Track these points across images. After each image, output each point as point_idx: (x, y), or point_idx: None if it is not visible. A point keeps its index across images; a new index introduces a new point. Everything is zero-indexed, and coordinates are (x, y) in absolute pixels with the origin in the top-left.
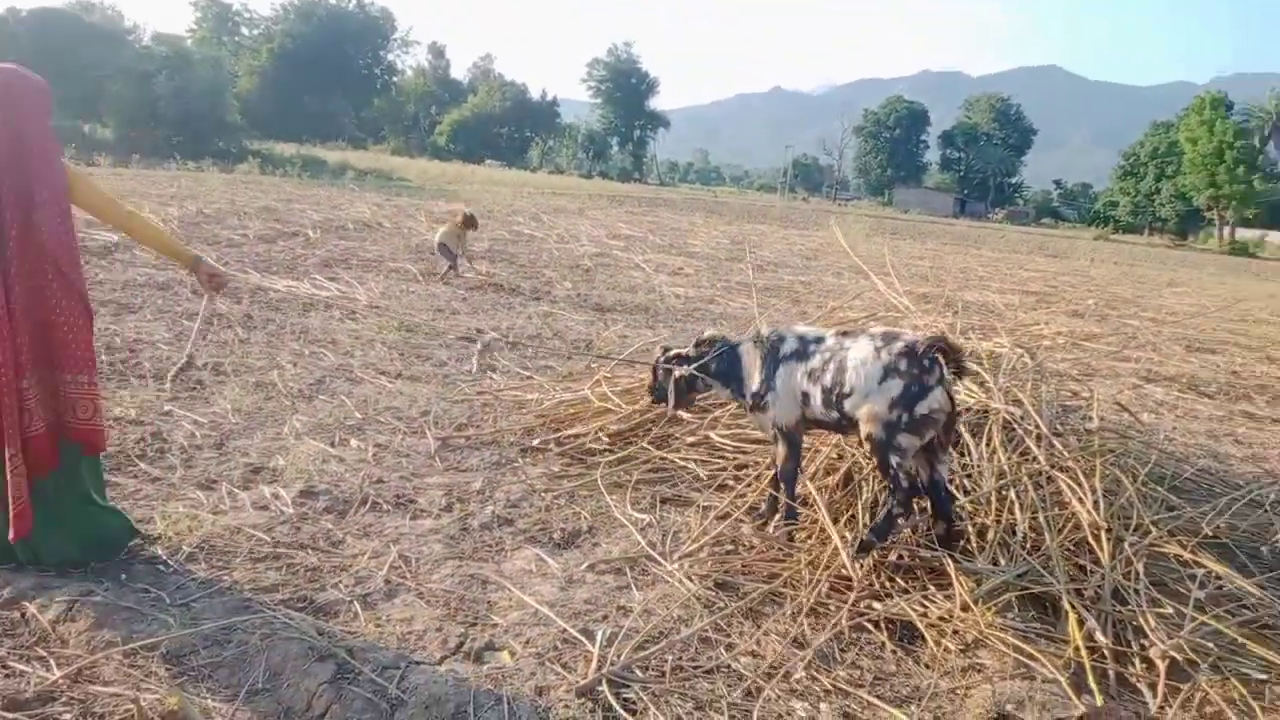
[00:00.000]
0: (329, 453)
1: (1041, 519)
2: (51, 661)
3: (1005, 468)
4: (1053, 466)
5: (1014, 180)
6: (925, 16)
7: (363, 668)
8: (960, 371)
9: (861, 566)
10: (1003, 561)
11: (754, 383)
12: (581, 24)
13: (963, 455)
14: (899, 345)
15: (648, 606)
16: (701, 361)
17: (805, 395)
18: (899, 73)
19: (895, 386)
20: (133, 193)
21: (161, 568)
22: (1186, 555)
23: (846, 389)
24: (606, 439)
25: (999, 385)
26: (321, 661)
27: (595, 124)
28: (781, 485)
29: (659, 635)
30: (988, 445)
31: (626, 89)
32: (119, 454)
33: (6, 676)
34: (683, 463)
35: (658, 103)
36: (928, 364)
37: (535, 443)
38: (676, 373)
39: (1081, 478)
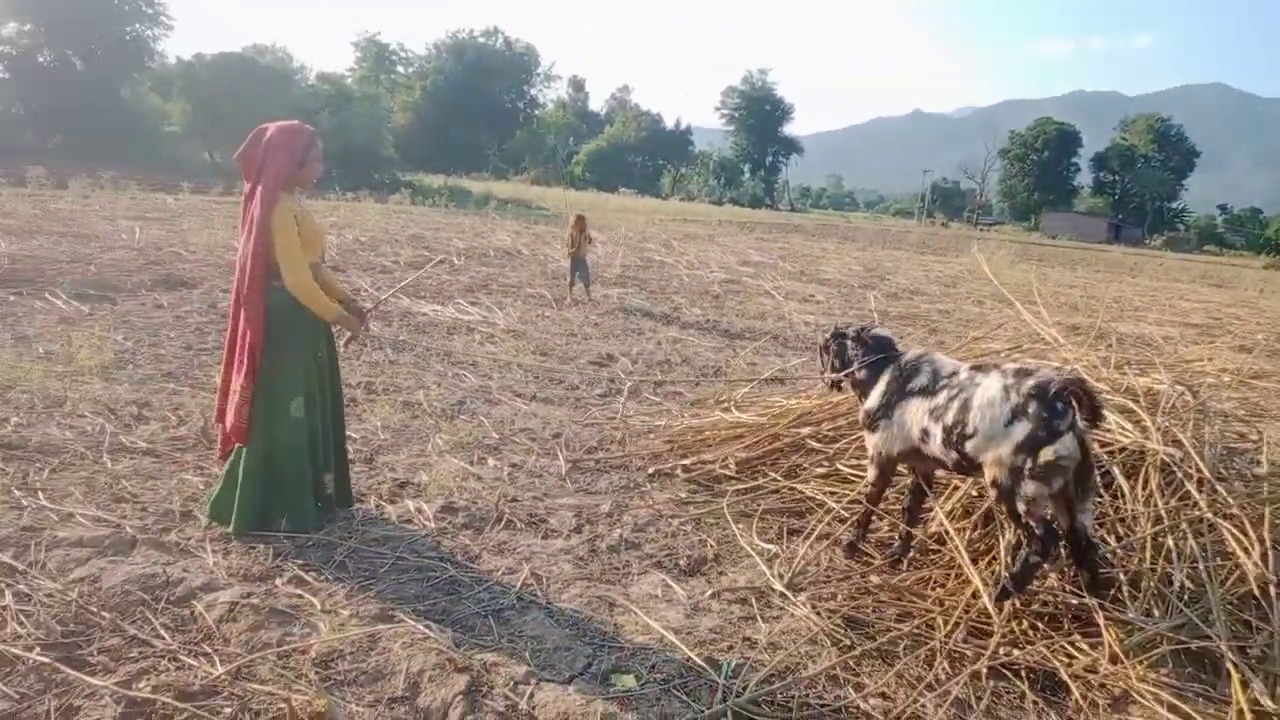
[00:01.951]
0: (468, 470)
1: (1202, 569)
2: (215, 658)
3: (1163, 513)
4: (1215, 513)
5: (1174, 205)
6: (1078, 37)
7: (495, 681)
8: (1095, 416)
9: (1001, 611)
10: (1157, 613)
11: (872, 401)
12: (717, 53)
13: (1116, 498)
14: (1029, 385)
15: (774, 640)
16: (853, 367)
17: (925, 432)
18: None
19: (1021, 430)
20: None
21: (314, 575)
22: None
23: (969, 430)
24: (734, 466)
25: (1157, 425)
26: (459, 673)
27: (727, 151)
28: (864, 499)
29: (786, 670)
30: (1144, 488)
31: (760, 115)
32: None
33: (178, 669)
34: (812, 494)
35: (791, 128)
36: (1060, 407)
37: (663, 468)
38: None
39: (1248, 526)
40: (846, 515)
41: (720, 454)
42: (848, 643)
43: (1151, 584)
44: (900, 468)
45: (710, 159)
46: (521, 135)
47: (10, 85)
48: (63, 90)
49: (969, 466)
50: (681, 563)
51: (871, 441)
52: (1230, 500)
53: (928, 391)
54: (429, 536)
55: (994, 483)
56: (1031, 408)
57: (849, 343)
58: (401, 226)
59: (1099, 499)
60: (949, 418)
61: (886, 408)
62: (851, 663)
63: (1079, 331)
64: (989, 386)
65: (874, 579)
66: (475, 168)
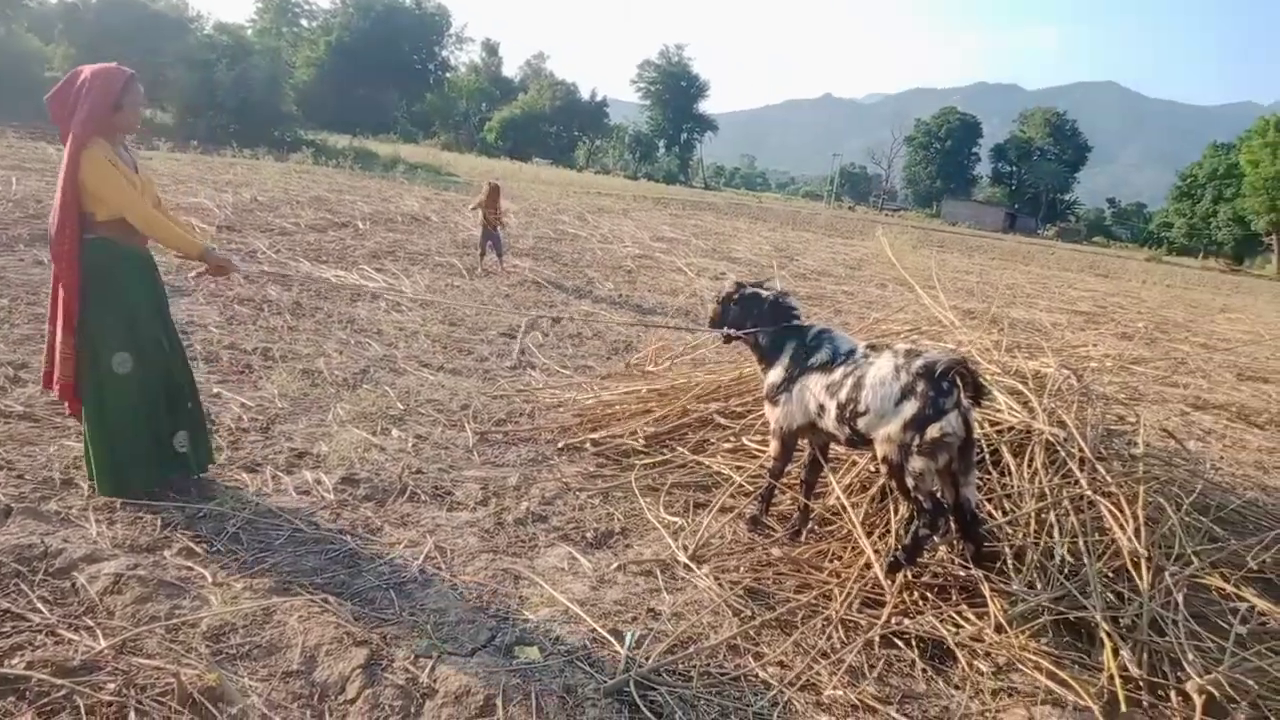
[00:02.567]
0: (371, 441)
1: (1081, 544)
2: (98, 632)
3: (1046, 490)
4: (1095, 491)
5: (1067, 197)
6: (982, 29)
7: (396, 655)
8: (978, 395)
9: (894, 583)
10: (1039, 585)
11: (775, 375)
12: (634, 26)
13: (1003, 475)
14: (918, 364)
15: (677, 610)
16: (757, 329)
17: (821, 407)
18: (953, 83)
19: (910, 408)
20: (189, 178)
21: (205, 546)
22: (1229, 589)
23: (862, 407)
24: (643, 441)
25: (1043, 406)
26: (357, 646)
27: (643, 125)
28: (767, 474)
29: (688, 640)
30: (1029, 466)
31: (676, 91)
32: None
33: (56, 644)
34: (718, 468)
35: (706, 106)
36: (946, 386)
37: (572, 441)
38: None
39: (1124, 504)
40: (751, 489)
41: (629, 428)
42: (748, 613)
43: (1034, 557)
44: (799, 441)
45: (625, 133)
46: (432, 98)
47: None
48: None
49: (861, 442)
50: (588, 535)
51: (774, 415)
52: (1109, 479)
53: (826, 368)
54: (328, 509)
55: (884, 459)
56: (920, 386)
57: (754, 302)
58: (303, 187)
59: (986, 475)
60: (843, 394)
61: (788, 382)
62: (751, 632)
63: (974, 316)
64: (881, 366)
65: (775, 551)
66: (382, 130)
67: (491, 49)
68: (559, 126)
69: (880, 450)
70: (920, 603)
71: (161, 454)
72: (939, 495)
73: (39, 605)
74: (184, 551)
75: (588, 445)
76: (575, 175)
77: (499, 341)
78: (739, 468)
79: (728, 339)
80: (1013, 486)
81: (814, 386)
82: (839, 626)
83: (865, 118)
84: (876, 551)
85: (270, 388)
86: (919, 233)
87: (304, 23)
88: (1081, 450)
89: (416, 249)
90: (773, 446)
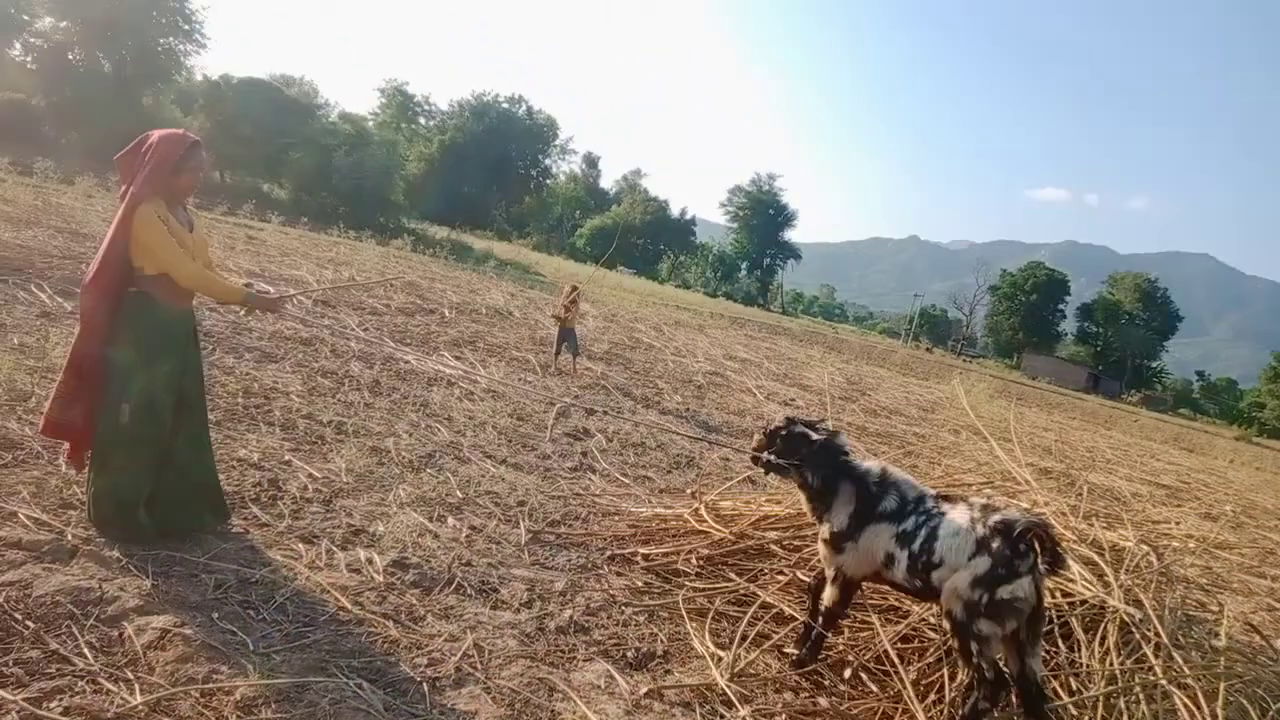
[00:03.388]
0: (426, 527)
1: None
2: (136, 686)
3: (1117, 673)
4: (1170, 681)
5: (1153, 364)
6: (1077, 190)
7: None
8: (1056, 563)
9: None
10: None
11: (839, 522)
12: (730, 153)
13: (1072, 651)
14: (995, 520)
15: None
16: (802, 464)
17: (890, 557)
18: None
19: (982, 565)
20: (295, 251)
21: (252, 613)
22: None
23: (936, 559)
24: (696, 562)
25: (1119, 582)
26: None
27: (728, 246)
28: (819, 622)
29: None
30: (1100, 645)
31: (763, 218)
32: (235, 494)
33: (94, 692)
34: (771, 601)
35: (792, 234)
36: (1022, 548)
37: (624, 552)
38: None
39: (1202, 699)
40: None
41: (682, 545)
42: None
43: None
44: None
45: (710, 251)
46: (530, 201)
47: (36, 77)
48: (86, 90)
49: (931, 595)
50: (629, 654)
51: (836, 562)
52: (1186, 670)
53: (895, 516)
54: (375, 590)
55: (949, 614)
56: (995, 544)
57: (800, 441)
58: (398, 271)
59: (1054, 650)
60: (916, 545)
61: (854, 531)
62: None
63: (1051, 475)
64: (956, 517)
65: (822, 701)
66: (480, 225)
67: (592, 161)
68: (646, 240)
69: (946, 605)
70: None
71: (128, 516)
72: (1002, 665)
73: (85, 651)
74: (231, 615)
75: (639, 558)
76: (657, 287)
77: (563, 441)
78: (793, 601)
79: (767, 469)
80: (1081, 665)
81: (883, 535)
82: None
83: (949, 263)
84: (930, 718)
85: (339, 461)
86: (997, 382)
87: (422, 120)
88: (1158, 634)
89: (496, 341)
90: (828, 594)
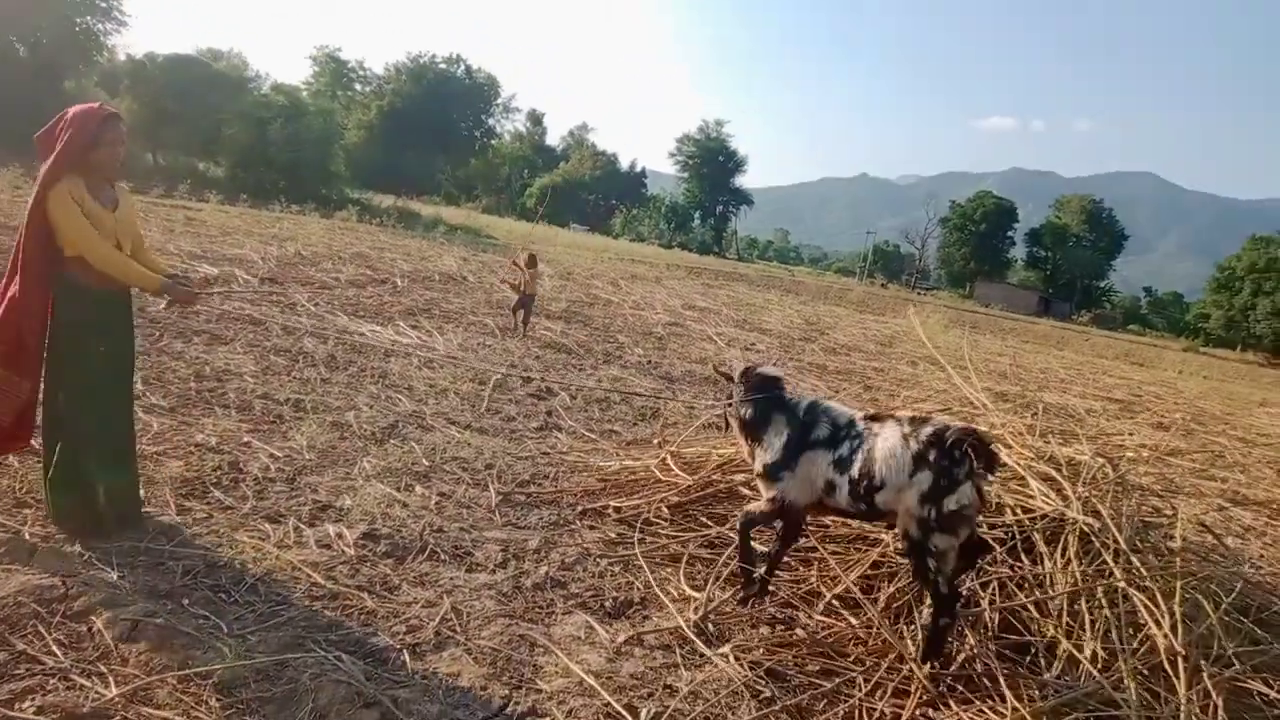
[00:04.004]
0: (394, 497)
1: (1115, 638)
2: (110, 679)
3: (1079, 580)
4: (1129, 584)
5: (1101, 284)
6: (1019, 117)
7: (406, 719)
8: (989, 466)
9: (925, 671)
10: (1069, 678)
11: (771, 454)
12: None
13: (1035, 563)
14: (927, 432)
15: (695, 688)
16: (737, 402)
17: (830, 484)
18: (988, 168)
19: (925, 479)
20: (237, 230)
21: (223, 596)
22: (1273, 694)
23: (877, 481)
24: (666, 510)
25: (1078, 494)
26: (367, 708)
27: (679, 197)
28: (738, 524)
29: (706, 719)
30: (1062, 555)
31: (713, 165)
32: (195, 480)
33: (68, 689)
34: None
35: (743, 180)
36: (957, 455)
37: (595, 506)
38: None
39: (1160, 599)
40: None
41: (652, 495)
42: (768, 695)
43: (1066, 650)
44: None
45: (662, 203)
46: (476, 163)
47: None
48: (4, 76)
49: (876, 516)
50: (607, 604)
51: (771, 490)
52: (1145, 572)
53: (829, 443)
54: (347, 563)
55: (905, 534)
56: (931, 456)
57: (736, 379)
58: (346, 244)
59: (1018, 563)
60: (854, 470)
61: (788, 461)
62: (771, 716)
63: (1007, 398)
64: (888, 436)
65: (799, 632)
66: (427, 191)
67: (536, 119)
68: (598, 195)
69: (901, 526)
70: (947, 694)
71: (87, 493)
72: (955, 579)
73: (54, 649)
74: (202, 600)
75: (610, 511)
76: (611, 242)
77: (527, 402)
78: (764, 541)
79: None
80: (1045, 575)
81: (820, 463)
82: (863, 716)
83: (900, 198)
84: (899, 634)
85: (299, 439)
86: (952, 312)
87: (358, 87)
88: (1116, 541)
89: (451, 307)
90: (761, 505)
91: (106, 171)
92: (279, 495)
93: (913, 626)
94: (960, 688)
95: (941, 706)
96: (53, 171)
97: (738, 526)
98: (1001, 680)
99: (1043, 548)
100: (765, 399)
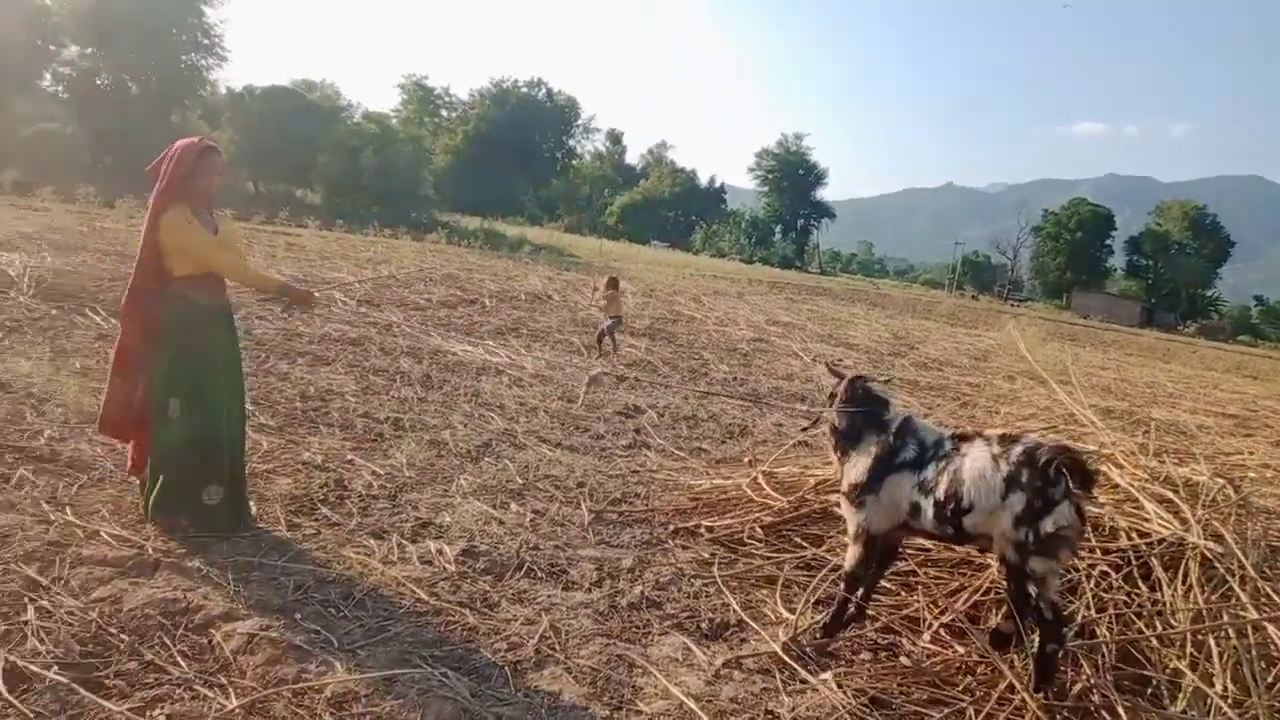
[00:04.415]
0: (490, 514)
1: (1246, 672)
2: (231, 690)
3: (1204, 610)
4: (1260, 614)
5: (1208, 293)
6: (1114, 122)
7: None
8: (1085, 485)
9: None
10: (1195, 714)
11: (856, 474)
12: (754, 116)
13: (1154, 590)
14: (1018, 452)
15: (797, 714)
16: (835, 409)
17: (915, 507)
18: (1081, 175)
19: (1018, 501)
20: (334, 254)
21: (333, 611)
22: None
23: (965, 504)
24: (760, 531)
25: (1197, 517)
26: None
27: (760, 211)
28: (842, 585)
29: None
30: (1183, 582)
31: (793, 179)
32: (304, 496)
33: (192, 699)
34: (840, 563)
35: (824, 193)
36: (1052, 475)
37: (688, 526)
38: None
39: None
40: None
41: (745, 515)
42: None
43: (1190, 683)
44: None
45: (742, 218)
46: (558, 183)
47: (69, 105)
48: (117, 113)
49: (966, 539)
50: (703, 625)
51: (855, 519)
52: (1278, 601)
53: (915, 465)
54: (449, 580)
55: (1002, 559)
56: (1024, 477)
57: (844, 383)
58: (436, 265)
59: (1135, 590)
60: (940, 492)
61: (873, 483)
62: None
63: (1113, 415)
64: (977, 456)
65: (903, 660)
66: (511, 212)
67: (616, 138)
68: (677, 212)
69: (998, 551)
70: None
71: (195, 501)
72: (1060, 603)
73: (179, 659)
74: (313, 615)
75: (703, 531)
76: (692, 258)
77: (615, 420)
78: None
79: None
80: (1164, 604)
81: (905, 485)
82: None
83: (988, 207)
84: (1010, 664)
85: (400, 457)
86: (1048, 324)
87: (444, 113)
88: (1242, 567)
89: (538, 326)
90: (851, 552)
91: (205, 199)
92: (382, 512)
93: (1024, 655)
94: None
95: None
96: (161, 201)
97: (840, 589)
98: (1122, 713)
99: (1161, 574)
100: (863, 413)
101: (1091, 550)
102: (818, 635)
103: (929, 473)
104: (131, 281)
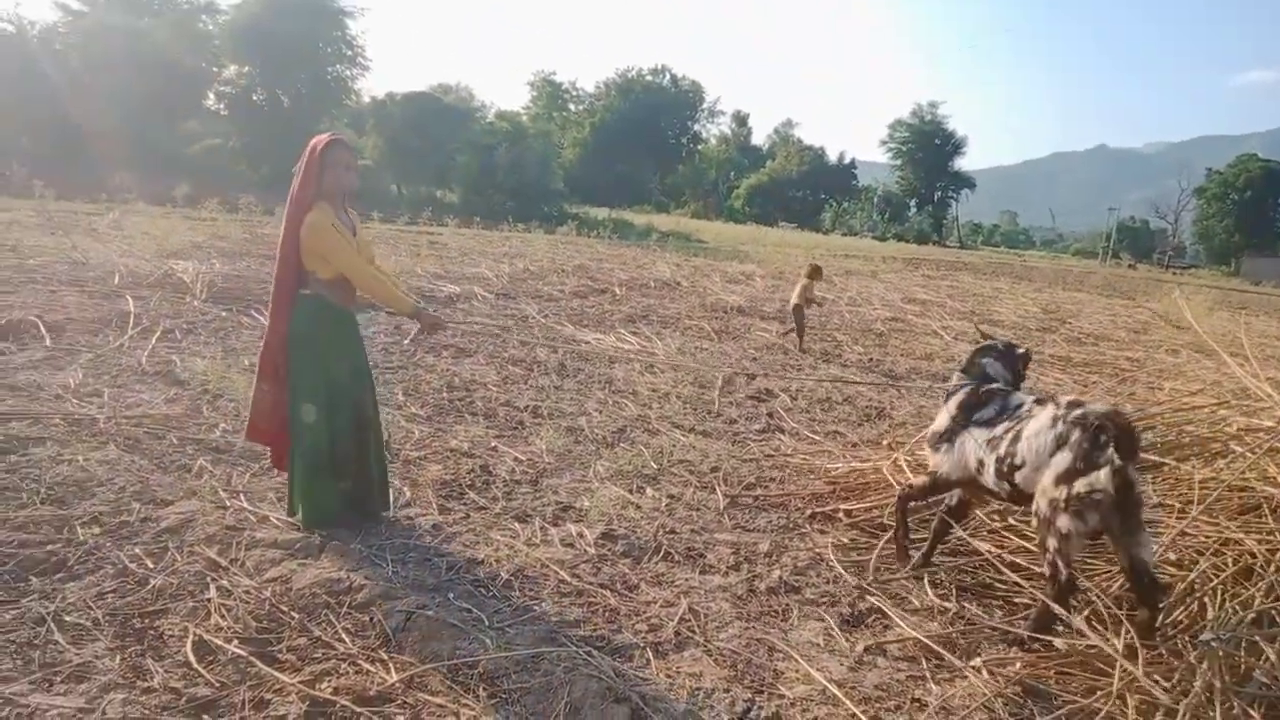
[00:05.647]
0: (627, 499)
1: None
2: (390, 666)
3: None
4: None
5: None
6: None
7: (654, 717)
8: (1132, 453)
9: (1201, 688)
10: None
11: (937, 423)
12: (886, 87)
13: None
14: (1075, 415)
15: (945, 703)
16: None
17: (980, 463)
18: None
19: (1062, 460)
20: (473, 251)
21: (483, 591)
22: None
23: (1019, 460)
24: (900, 499)
25: None
26: (617, 703)
27: (893, 186)
28: (897, 504)
29: None
30: None
31: (929, 149)
32: (453, 482)
33: (356, 673)
34: (986, 548)
35: (963, 163)
36: (1102, 440)
37: (824, 510)
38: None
39: None
40: (1031, 589)
41: (885, 500)
42: (1026, 712)
43: None
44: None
45: (874, 193)
46: (684, 169)
47: (229, 121)
48: (271, 125)
49: (1021, 498)
50: (844, 611)
51: (932, 462)
52: None
53: (989, 423)
54: (589, 562)
55: (1036, 511)
56: (1073, 437)
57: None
58: (568, 257)
59: None
60: (1002, 449)
61: (950, 435)
62: None
63: None
64: (1040, 417)
65: (1057, 644)
66: (638, 200)
67: (741, 120)
68: (805, 191)
69: (1036, 503)
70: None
71: (329, 498)
72: (1074, 569)
73: (343, 635)
74: (465, 594)
75: (841, 515)
76: (821, 238)
77: (747, 405)
78: (1007, 547)
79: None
80: None
81: (977, 439)
82: None
83: (1144, 169)
84: (1139, 649)
85: (540, 443)
86: (1215, 293)
87: (572, 107)
88: None
89: (668, 313)
90: (919, 480)
91: (338, 194)
92: (525, 496)
93: (1201, 641)
94: (1254, 712)
95: None
96: (300, 200)
97: (897, 502)
98: None
99: None
100: (979, 372)
101: (1270, 533)
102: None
103: (999, 430)
104: (276, 279)
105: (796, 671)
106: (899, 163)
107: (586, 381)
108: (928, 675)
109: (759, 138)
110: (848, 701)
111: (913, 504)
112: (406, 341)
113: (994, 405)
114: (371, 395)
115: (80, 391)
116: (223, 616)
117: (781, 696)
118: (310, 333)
